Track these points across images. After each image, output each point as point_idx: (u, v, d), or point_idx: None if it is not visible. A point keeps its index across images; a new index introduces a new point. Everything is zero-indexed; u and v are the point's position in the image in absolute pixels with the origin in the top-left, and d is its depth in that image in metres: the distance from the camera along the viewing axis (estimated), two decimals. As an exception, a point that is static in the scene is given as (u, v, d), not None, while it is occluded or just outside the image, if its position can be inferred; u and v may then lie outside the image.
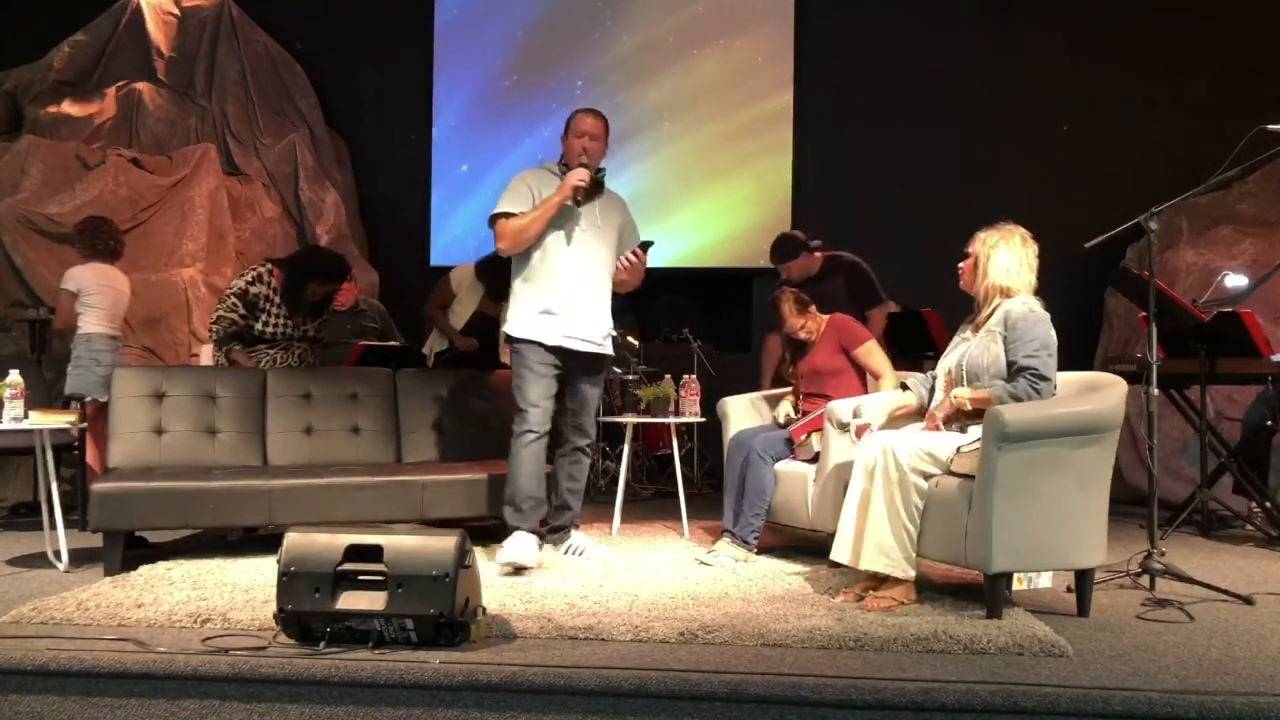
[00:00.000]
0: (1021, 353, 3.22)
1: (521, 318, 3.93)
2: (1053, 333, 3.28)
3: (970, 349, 3.36)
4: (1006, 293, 3.34)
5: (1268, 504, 4.80)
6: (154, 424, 4.35)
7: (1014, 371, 3.24)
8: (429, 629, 2.62)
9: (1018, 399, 3.17)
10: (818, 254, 5.06)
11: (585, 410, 4.08)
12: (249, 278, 4.77)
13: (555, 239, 3.91)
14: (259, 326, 4.79)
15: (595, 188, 3.90)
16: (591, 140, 3.99)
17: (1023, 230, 3.41)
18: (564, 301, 3.89)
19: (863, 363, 4.26)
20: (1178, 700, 2.25)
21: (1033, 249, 3.39)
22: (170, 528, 4.06)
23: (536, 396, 3.86)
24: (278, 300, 4.79)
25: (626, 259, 4.00)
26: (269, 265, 4.85)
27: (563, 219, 3.91)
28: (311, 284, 4.83)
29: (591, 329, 3.95)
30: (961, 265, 3.47)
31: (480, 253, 7.18)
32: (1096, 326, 6.93)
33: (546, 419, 3.90)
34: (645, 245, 4.06)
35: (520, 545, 3.74)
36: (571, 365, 3.97)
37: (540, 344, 3.87)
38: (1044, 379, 3.20)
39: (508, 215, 3.88)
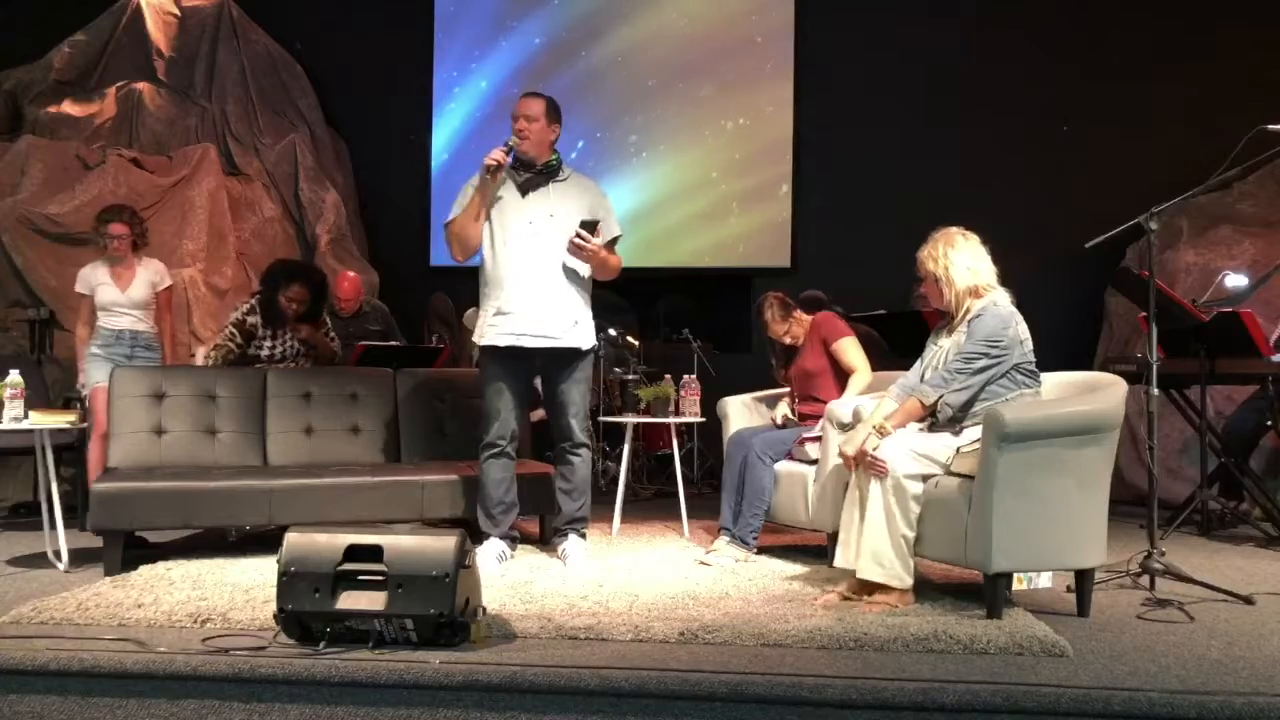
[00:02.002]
0: (969, 350, 3.22)
1: (481, 323, 3.90)
2: (1010, 328, 3.22)
3: (945, 353, 3.35)
4: (977, 293, 3.32)
5: (1241, 504, 4.83)
6: (154, 424, 4.35)
7: (950, 366, 3.25)
8: (429, 629, 2.62)
9: (935, 388, 3.23)
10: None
11: (564, 411, 3.95)
12: (245, 309, 4.93)
13: (504, 237, 3.83)
14: (264, 353, 4.92)
15: (545, 172, 3.85)
16: (528, 122, 3.83)
17: (956, 228, 3.38)
18: (516, 299, 3.81)
19: (838, 358, 4.24)
20: (1178, 700, 2.25)
21: (975, 239, 3.37)
22: (170, 528, 4.06)
23: (495, 405, 3.89)
24: (264, 325, 4.90)
25: (571, 241, 3.77)
26: (251, 303, 4.98)
27: (510, 215, 3.84)
28: (280, 295, 4.86)
29: (548, 324, 3.82)
30: (922, 290, 3.45)
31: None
32: (1096, 326, 6.93)
33: (507, 428, 3.91)
34: (589, 225, 3.78)
35: (485, 553, 3.78)
36: (537, 364, 3.94)
37: (494, 347, 3.86)
38: (958, 374, 3.21)
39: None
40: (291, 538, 2.70)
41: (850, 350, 4.24)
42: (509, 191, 3.88)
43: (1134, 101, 7.19)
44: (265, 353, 4.91)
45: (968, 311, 3.32)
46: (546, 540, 4.35)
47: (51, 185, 6.45)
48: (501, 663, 2.47)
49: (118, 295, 4.86)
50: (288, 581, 2.64)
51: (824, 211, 7.76)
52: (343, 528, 2.79)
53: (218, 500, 3.89)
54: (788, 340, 4.41)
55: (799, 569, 3.81)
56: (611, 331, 6.80)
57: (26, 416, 3.82)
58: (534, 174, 3.89)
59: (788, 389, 4.52)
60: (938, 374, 3.29)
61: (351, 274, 6.27)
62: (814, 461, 4.00)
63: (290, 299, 4.85)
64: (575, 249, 3.78)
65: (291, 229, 7.57)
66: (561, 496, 4.05)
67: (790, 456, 4.14)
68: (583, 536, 4.06)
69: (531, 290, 3.81)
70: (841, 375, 4.25)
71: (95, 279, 4.87)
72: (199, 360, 5.68)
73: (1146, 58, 7.20)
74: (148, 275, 4.94)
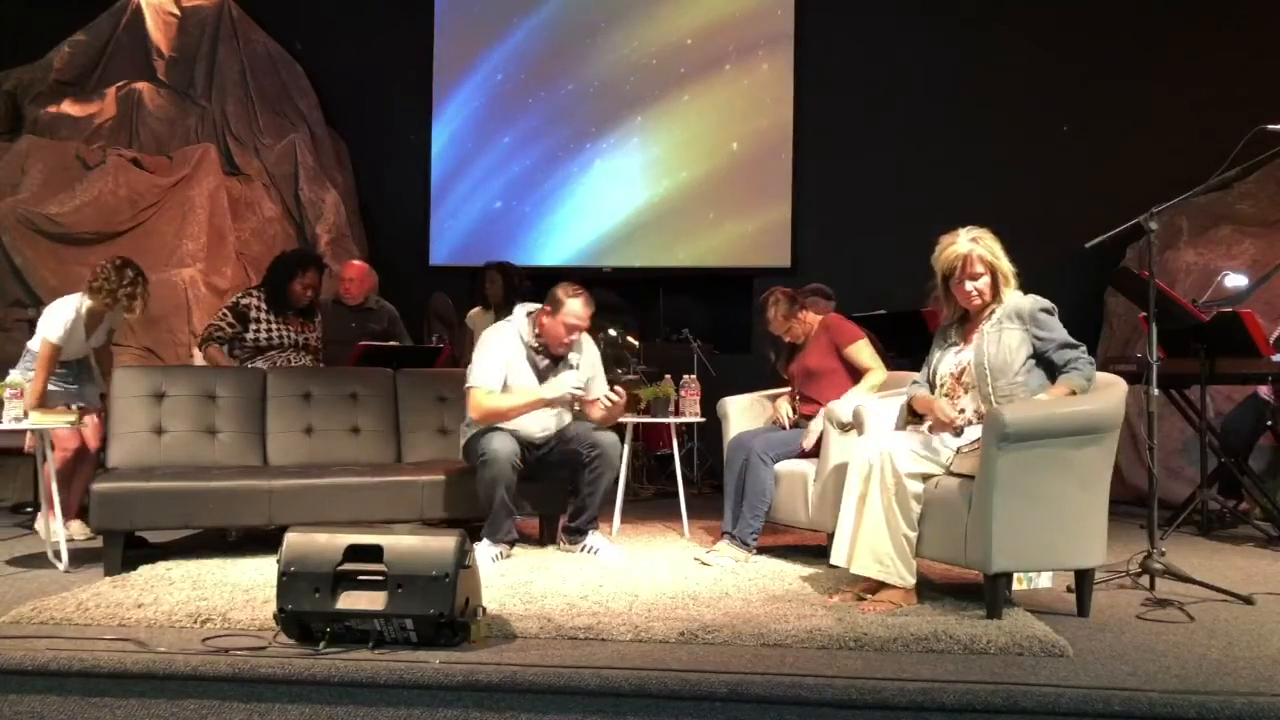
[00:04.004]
0: (1064, 338, 3.19)
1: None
2: None
3: (983, 345, 3.24)
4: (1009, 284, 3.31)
5: (1240, 504, 4.84)
6: (154, 424, 4.35)
7: (1063, 357, 3.18)
8: (429, 629, 2.62)
9: (1082, 375, 3.16)
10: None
11: (587, 422, 4.20)
12: (240, 294, 5.08)
13: (520, 386, 4.07)
14: (251, 336, 4.96)
15: (560, 359, 4.14)
16: (579, 330, 4.10)
17: (970, 226, 3.36)
18: (522, 427, 4.08)
19: (853, 360, 4.24)
20: (1178, 700, 2.25)
21: None
22: (170, 528, 4.07)
23: (505, 443, 3.97)
24: (267, 310, 4.98)
25: (608, 399, 4.10)
26: (253, 290, 5.11)
27: (529, 376, 4.06)
28: (292, 284, 4.99)
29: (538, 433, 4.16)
30: (973, 288, 3.25)
31: (481, 256, 7.20)
32: (1096, 326, 6.93)
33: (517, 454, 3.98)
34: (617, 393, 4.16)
35: (482, 553, 3.79)
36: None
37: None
38: (1082, 355, 3.19)
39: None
40: (291, 538, 2.70)
41: (864, 352, 4.25)
42: (526, 373, 4.10)
43: (1134, 101, 7.19)
44: (254, 335, 4.94)
45: (1000, 305, 3.27)
46: (546, 540, 4.35)
47: (51, 185, 6.45)
48: (501, 663, 2.47)
49: (83, 342, 4.62)
50: (288, 581, 2.64)
51: (824, 211, 7.76)
52: (343, 528, 2.80)
53: (218, 500, 3.89)
54: (789, 338, 4.41)
55: (799, 569, 3.81)
56: (611, 331, 6.80)
57: (26, 416, 3.82)
58: (553, 362, 4.15)
59: (788, 387, 4.51)
60: (1071, 368, 3.16)
61: (359, 261, 6.25)
62: (815, 450, 4.00)
63: (306, 285, 5.02)
64: (608, 408, 4.11)
65: (291, 229, 7.57)
66: (588, 499, 4.13)
67: (803, 454, 4.12)
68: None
69: (535, 423, 4.12)
70: (845, 377, 4.25)
71: (75, 333, 4.51)
72: (197, 360, 5.68)
73: (1146, 58, 7.20)
74: (109, 324, 4.73)
